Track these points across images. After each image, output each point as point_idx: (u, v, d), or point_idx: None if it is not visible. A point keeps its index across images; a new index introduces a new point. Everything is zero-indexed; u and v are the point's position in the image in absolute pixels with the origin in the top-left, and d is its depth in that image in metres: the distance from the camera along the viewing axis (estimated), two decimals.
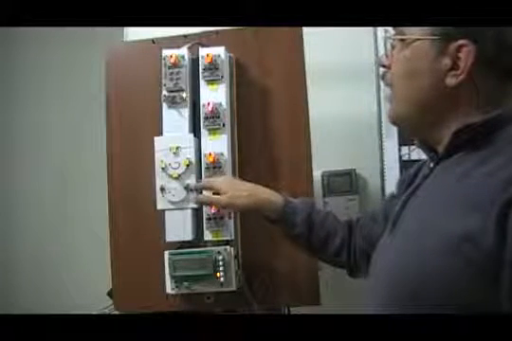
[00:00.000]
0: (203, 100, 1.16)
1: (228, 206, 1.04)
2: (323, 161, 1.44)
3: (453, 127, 0.71)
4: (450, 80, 0.70)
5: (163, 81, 1.17)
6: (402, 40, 0.74)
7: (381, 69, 0.81)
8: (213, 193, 1.06)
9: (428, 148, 0.78)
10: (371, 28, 1.55)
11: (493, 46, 0.67)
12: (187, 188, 1.12)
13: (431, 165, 0.77)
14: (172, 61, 1.16)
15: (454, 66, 0.69)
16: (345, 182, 1.58)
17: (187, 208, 1.13)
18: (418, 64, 0.72)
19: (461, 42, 0.68)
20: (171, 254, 1.12)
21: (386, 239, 0.79)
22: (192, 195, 1.12)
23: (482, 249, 0.59)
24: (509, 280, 0.58)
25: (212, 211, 1.11)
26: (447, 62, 0.70)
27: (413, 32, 0.73)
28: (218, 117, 1.14)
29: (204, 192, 1.11)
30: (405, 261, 0.69)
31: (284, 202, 1.00)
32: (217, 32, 1.25)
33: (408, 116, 0.76)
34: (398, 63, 0.75)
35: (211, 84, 1.17)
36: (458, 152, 0.71)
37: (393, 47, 0.77)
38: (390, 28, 0.78)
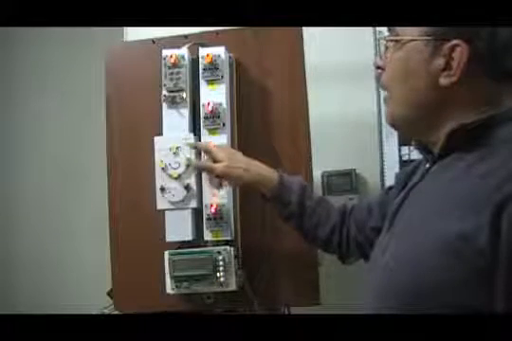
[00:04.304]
0: (203, 100, 1.16)
1: (223, 175, 1.02)
2: (323, 161, 1.44)
3: (448, 127, 0.71)
4: (444, 81, 0.70)
5: (163, 81, 1.17)
6: (396, 41, 0.74)
7: (376, 71, 0.81)
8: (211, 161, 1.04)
9: (424, 148, 0.78)
10: (371, 28, 1.55)
11: (486, 46, 0.67)
12: (187, 187, 1.12)
13: (428, 165, 0.77)
14: (172, 61, 1.16)
15: (448, 66, 0.69)
16: (345, 182, 1.58)
17: (187, 208, 1.13)
18: (412, 65, 0.72)
19: (454, 42, 0.68)
20: (171, 254, 1.12)
21: (383, 237, 0.80)
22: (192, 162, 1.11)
23: (476, 249, 0.59)
24: (503, 280, 0.58)
25: (212, 211, 1.11)
26: (440, 62, 0.70)
27: (407, 33, 0.73)
28: (218, 117, 1.14)
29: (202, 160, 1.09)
30: (402, 261, 0.69)
31: (280, 179, 1.00)
32: (217, 32, 1.25)
33: (404, 118, 0.76)
34: (392, 65, 0.75)
35: (211, 84, 1.17)
36: (453, 152, 0.71)
37: (386, 49, 0.77)
38: (383, 30, 0.78)
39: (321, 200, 1.03)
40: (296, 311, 1.24)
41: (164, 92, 1.17)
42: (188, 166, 1.12)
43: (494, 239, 0.58)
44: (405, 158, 1.56)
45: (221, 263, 1.10)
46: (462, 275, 0.61)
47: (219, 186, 1.08)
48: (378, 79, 0.80)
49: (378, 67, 0.79)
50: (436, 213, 0.67)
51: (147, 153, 1.16)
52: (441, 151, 0.73)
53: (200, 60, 1.17)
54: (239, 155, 1.06)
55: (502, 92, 0.70)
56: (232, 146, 1.17)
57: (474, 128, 0.68)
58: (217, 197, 1.12)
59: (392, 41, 0.75)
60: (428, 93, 0.72)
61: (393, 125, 0.80)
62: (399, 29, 0.74)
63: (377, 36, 0.79)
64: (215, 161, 1.03)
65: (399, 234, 0.74)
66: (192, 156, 1.13)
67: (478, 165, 0.66)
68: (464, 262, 0.61)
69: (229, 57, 1.21)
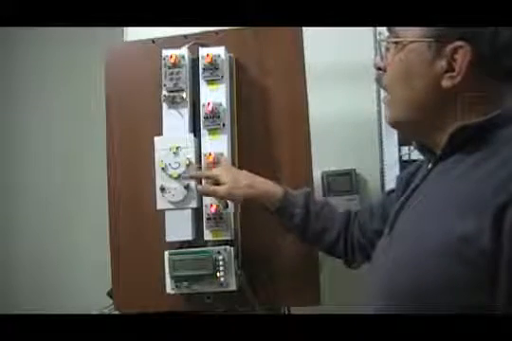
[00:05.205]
0: (203, 100, 1.16)
1: (227, 196, 1.03)
2: (323, 161, 1.44)
3: (450, 129, 0.71)
4: (447, 82, 0.70)
5: (163, 81, 1.17)
6: (397, 42, 0.74)
7: (376, 72, 0.81)
8: (212, 183, 1.05)
9: (426, 149, 0.78)
10: (371, 28, 1.55)
11: (489, 47, 0.67)
12: (187, 187, 1.12)
13: (429, 166, 0.77)
14: (172, 61, 1.16)
15: (450, 68, 0.69)
16: (345, 182, 1.58)
17: (187, 208, 1.13)
18: (414, 67, 0.72)
19: (457, 43, 0.68)
20: (171, 254, 1.12)
21: (384, 239, 0.80)
22: (190, 186, 1.12)
23: (478, 250, 0.59)
24: (505, 282, 0.58)
25: (212, 211, 1.11)
26: (442, 63, 0.69)
27: (408, 35, 0.72)
28: (218, 117, 1.14)
29: (203, 183, 1.10)
30: (403, 262, 0.69)
31: (283, 193, 1.01)
32: (217, 32, 1.25)
33: (405, 119, 0.76)
34: (394, 66, 0.75)
35: (211, 84, 1.17)
36: (455, 153, 0.71)
37: (387, 50, 0.77)
38: (384, 31, 0.78)
39: (326, 205, 1.04)
40: (296, 311, 1.24)
41: (164, 92, 1.17)
42: (188, 165, 1.12)
43: (496, 240, 0.58)
44: (405, 158, 1.56)
45: (221, 263, 1.10)
46: (463, 276, 0.61)
47: (225, 206, 1.10)
48: (378, 80, 0.80)
49: (379, 68, 0.79)
50: (438, 214, 0.67)
51: (147, 153, 1.16)
52: (443, 152, 0.73)
53: (200, 60, 1.17)
54: (243, 173, 1.06)
55: (505, 92, 0.70)
56: (232, 146, 1.17)
57: (476, 129, 0.68)
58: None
59: (392, 42, 0.75)
60: (430, 94, 0.71)
61: (394, 126, 0.80)
62: (400, 31, 0.74)
63: (378, 37, 0.78)
64: (218, 184, 1.03)
65: (400, 236, 0.74)
66: (192, 157, 1.13)
67: (480, 166, 0.66)
68: (465, 264, 0.61)
69: (229, 57, 1.21)
